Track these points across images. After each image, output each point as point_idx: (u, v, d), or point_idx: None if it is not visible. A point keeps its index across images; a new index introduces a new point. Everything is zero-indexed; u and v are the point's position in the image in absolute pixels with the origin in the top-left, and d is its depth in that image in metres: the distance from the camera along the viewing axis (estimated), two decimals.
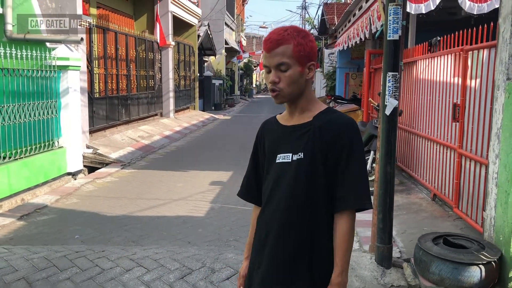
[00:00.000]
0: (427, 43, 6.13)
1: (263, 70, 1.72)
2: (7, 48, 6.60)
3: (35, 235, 4.88)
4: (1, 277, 3.62)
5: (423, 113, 6.20)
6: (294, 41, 1.62)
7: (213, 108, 22.87)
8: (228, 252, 4.18)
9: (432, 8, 6.17)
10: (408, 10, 6.31)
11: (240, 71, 36.57)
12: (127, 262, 3.89)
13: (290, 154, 1.69)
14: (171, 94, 15.54)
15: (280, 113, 1.83)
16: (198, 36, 19.76)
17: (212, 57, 25.52)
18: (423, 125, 6.19)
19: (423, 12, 6.30)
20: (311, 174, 1.66)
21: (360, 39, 9.79)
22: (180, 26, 17.74)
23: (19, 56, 6.86)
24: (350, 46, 11.73)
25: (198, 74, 20.79)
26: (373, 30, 9.00)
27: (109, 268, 3.79)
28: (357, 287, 3.53)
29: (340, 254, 1.63)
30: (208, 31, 21.00)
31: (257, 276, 1.74)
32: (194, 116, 17.92)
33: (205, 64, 25.01)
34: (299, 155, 1.67)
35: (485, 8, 5.84)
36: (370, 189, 6.00)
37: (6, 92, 6.47)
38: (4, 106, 6.38)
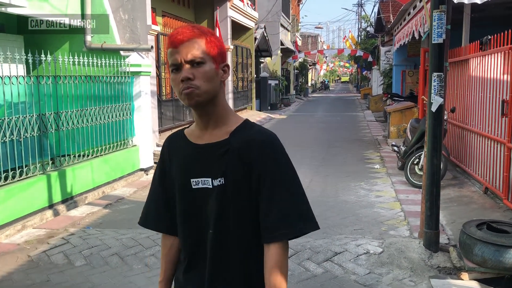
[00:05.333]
0: (478, 41, 6.32)
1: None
2: (90, 58, 7.44)
3: (120, 221, 5.60)
4: (98, 252, 4.32)
5: (475, 109, 6.40)
6: (206, 37, 1.45)
7: (269, 108, 23.41)
8: None
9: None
10: (463, 1, 6.57)
11: (296, 71, 36.92)
12: None
13: (210, 179, 1.48)
14: (230, 95, 16.25)
15: (187, 127, 1.61)
16: (255, 38, 20.39)
17: (268, 58, 26.09)
18: (475, 121, 6.39)
19: (478, 2, 6.50)
20: (239, 203, 1.46)
21: (414, 37, 9.96)
22: (238, 29, 18.43)
23: (98, 64, 7.70)
24: (405, 43, 11.86)
25: (255, 75, 21.42)
26: (424, 30, 9.19)
27: None
28: (405, 267, 3.92)
29: None
30: (265, 33, 21.58)
31: None
32: (251, 116, 18.55)
33: (261, 65, 25.63)
34: (220, 181, 1.46)
35: None
36: (421, 183, 6.21)
37: (89, 96, 7.31)
38: (88, 109, 7.22)
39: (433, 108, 4.02)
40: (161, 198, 1.61)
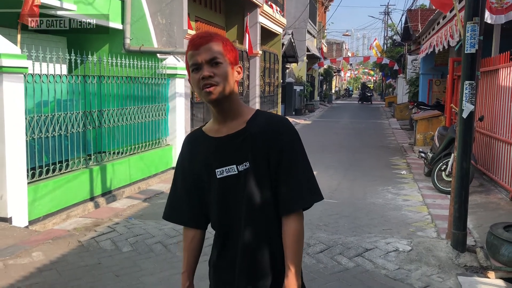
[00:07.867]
0: (508, 52, 6.47)
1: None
2: (130, 59, 7.82)
3: (159, 213, 5.83)
4: (143, 240, 4.64)
5: (503, 118, 6.54)
6: (222, 41, 1.64)
7: (293, 113, 23.61)
8: (320, 233, 4.93)
9: None
10: (489, 21, 6.71)
11: (320, 77, 37.06)
12: None
13: (234, 166, 1.65)
14: (257, 99, 16.54)
15: (203, 125, 1.79)
16: (282, 44, 20.67)
17: (293, 64, 26.35)
18: (503, 129, 6.53)
19: (503, 22, 6.67)
20: (263, 183, 1.65)
21: (444, 47, 10.09)
22: (267, 35, 18.74)
23: (137, 65, 8.07)
24: (434, 52, 11.98)
25: (281, 81, 21.69)
26: (453, 43, 9.34)
27: None
28: (433, 264, 4.12)
29: (292, 256, 1.62)
30: (292, 40, 21.85)
31: None
32: None
33: (287, 70, 25.89)
34: (245, 165, 1.64)
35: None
36: (447, 189, 6.41)
37: (128, 96, 7.69)
38: (127, 108, 7.59)
39: (464, 115, 4.22)
40: (182, 193, 1.76)
